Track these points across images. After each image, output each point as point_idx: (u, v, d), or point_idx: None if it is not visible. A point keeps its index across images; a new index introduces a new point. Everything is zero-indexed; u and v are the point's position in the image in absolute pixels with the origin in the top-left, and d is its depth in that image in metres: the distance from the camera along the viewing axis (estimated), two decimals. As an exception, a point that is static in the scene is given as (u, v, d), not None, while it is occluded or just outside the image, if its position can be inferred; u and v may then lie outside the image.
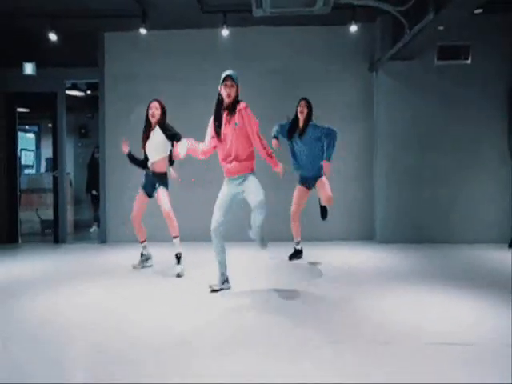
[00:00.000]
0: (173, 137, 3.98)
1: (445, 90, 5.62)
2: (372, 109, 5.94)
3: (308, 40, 5.94)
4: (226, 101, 3.24)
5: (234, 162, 3.26)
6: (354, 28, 5.36)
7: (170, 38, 6.00)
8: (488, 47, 5.51)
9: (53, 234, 6.36)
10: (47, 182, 8.27)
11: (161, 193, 4.09)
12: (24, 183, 7.81)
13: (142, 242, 4.33)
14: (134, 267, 4.28)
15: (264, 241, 3.32)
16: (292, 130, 4.26)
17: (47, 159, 9.43)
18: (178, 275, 3.94)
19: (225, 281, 3.47)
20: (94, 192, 7.81)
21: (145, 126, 4.13)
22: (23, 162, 9.68)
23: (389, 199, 5.76)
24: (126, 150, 4.20)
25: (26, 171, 9.62)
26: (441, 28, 4.23)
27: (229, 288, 3.46)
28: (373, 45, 5.85)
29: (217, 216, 3.33)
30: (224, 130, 3.26)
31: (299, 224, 4.48)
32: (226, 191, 3.36)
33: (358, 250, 5.29)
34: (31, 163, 10.13)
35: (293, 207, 4.41)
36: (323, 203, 4.28)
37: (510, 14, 5.37)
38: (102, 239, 6.20)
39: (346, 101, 5.95)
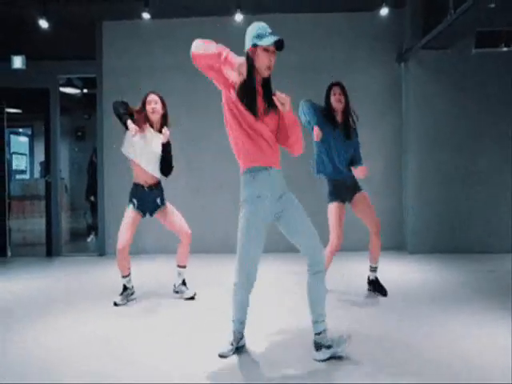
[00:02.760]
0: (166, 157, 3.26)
1: (483, 81, 5.05)
2: (400, 103, 5.37)
3: (329, 28, 5.38)
4: (264, 74, 2.17)
5: (272, 149, 2.22)
6: (384, 11, 4.78)
7: (176, 27, 5.40)
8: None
9: (45, 246, 5.73)
10: (42, 188, 7.69)
11: (170, 211, 3.34)
12: (16, 189, 7.21)
13: (126, 275, 3.35)
14: (117, 304, 3.25)
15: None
16: (328, 123, 3.20)
17: (41, 163, 8.82)
18: (192, 298, 3.37)
19: (242, 337, 2.40)
20: (92, 198, 7.21)
21: (134, 121, 3.14)
22: (15, 167, 9.08)
23: (420, 205, 5.16)
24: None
25: (19, 176, 9.01)
26: (492, 5, 3.65)
27: (244, 344, 2.41)
28: (401, 33, 5.29)
29: (255, 262, 2.21)
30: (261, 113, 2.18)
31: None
32: (259, 213, 2.18)
33: (389, 262, 4.69)
34: (24, 168, 9.52)
35: (332, 236, 3.17)
36: (372, 231, 3.26)
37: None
38: (101, 251, 5.58)
39: (372, 94, 5.38)
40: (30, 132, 9.66)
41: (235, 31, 5.19)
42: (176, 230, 3.34)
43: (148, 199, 3.30)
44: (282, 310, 3.09)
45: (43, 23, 4.78)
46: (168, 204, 3.40)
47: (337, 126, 3.22)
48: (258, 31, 2.15)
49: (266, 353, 2.35)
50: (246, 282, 2.22)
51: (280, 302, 3.32)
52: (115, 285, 3.56)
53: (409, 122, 5.22)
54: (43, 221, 6.46)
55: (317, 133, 3.08)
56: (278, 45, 2.16)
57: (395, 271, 4.25)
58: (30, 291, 3.79)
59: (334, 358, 2.17)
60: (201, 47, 2.17)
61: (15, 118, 8.06)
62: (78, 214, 8.44)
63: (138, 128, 3.11)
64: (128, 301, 3.36)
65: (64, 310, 3.16)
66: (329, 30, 5.38)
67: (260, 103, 2.18)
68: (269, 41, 2.12)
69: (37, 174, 9.31)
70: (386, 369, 2.12)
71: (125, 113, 3.18)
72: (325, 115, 3.22)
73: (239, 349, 2.36)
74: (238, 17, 4.85)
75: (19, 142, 9.71)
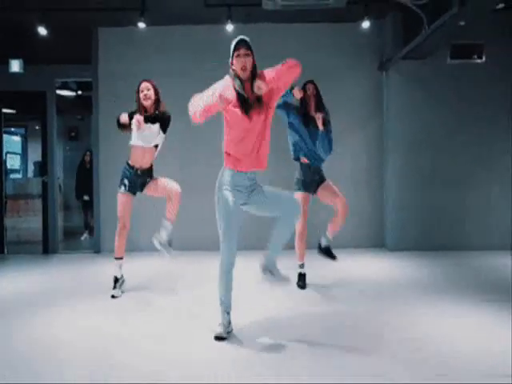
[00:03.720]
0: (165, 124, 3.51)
1: (457, 90, 5.41)
2: (381, 109, 5.70)
3: (315, 37, 5.67)
4: (244, 76, 2.42)
5: (259, 156, 2.52)
6: (366, 24, 5.10)
7: (169, 34, 5.66)
8: (503, 45, 5.32)
9: (42, 244, 5.92)
10: (35, 187, 7.85)
11: (156, 181, 3.59)
12: (9, 189, 7.37)
13: (121, 257, 3.60)
14: (114, 296, 3.49)
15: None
16: (303, 115, 3.58)
17: (35, 163, 8.97)
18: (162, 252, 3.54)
19: (229, 321, 2.70)
20: (85, 197, 7.41)
21: (133, 112, 3.47)
22: (9, 167, 9.20)
23: (400, 205, 5.50)
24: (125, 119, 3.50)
25: (12, 176, 9.14)
26: (462, 23, 3.98)
27: (232, 330, 2.69)
28: (382, 43, 5.62)
29: (231, 246, 2.51)
30: (251, 110, 2.45)
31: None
32: (233, 209, 2.48)
33: (370, 259, 5.02)
34: (17, 167, 9.64)
35: (301, 223, 3.48)
36: (340, 213, 3.55)
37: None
38: (96, 249, 5.80)
39: (355, 101, 5.70)
40: (23, 132, 9.77)
41: (227, 39, 5.48)
42: (167, 192, 3.54)
43: (139, 181, 3.58)
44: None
45: (42, 30, 4.97)
46: (155, 179, 3.61)
47: (310, 119, 3.56)
48: (231, 47, 2.47)
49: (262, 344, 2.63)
50: (227, 264, 2.57)
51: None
52: (110, 281, 3.78)
53: (389, 126, 5.55)
54: (37, 219, 6.65)
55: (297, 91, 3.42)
56: (240, 42, 2.42)
57: (375, 267, 4.57)
58: (32, 287, 3.98)
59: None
60: (193, 109, 2.50)
61: (9, 117, 8.20)
62: (71, 212, 8.62)
63: (139, 119, 3.36)
64: (122, 291, 3.58)
65: (65, 305, 3.37)
66: (315, 39, 5.67)
67: (254, 106, 2.45)
68: (234, 46, 2.44)
69: (30, 174, 9.45)
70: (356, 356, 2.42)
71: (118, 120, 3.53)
72: (301, 109, 3.61)
73: (229, 333, 2.63)
74: (229, 27, 5.12)
75: (12, 141, 9.82)
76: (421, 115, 5.47)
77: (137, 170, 3.55)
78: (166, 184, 3.59)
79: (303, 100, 3.61)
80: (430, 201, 5.47)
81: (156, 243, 3.52)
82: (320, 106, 3.61)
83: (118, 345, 2.56)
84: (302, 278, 3.71)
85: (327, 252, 3.72)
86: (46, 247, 5.87)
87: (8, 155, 9.26)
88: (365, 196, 5.73)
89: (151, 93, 3.49)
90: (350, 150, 5.71)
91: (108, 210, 5.73)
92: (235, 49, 2.44)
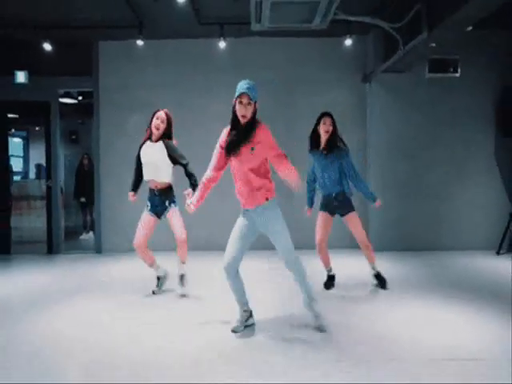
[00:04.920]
0: (177, 161, 3.67)
1: (436, 101, 5.80)
2: (365, 119, 6.07)
3: (303, 51, 6.03)
4: (241, 121, 2.73)
5: (249, 191, 2.79)
6: (348, 42, 5.48)
7: (166, 48, 6.02)
8: (476, 60, 5.71)
9: (46, 244, 6.28)
10: (37, 188, 8.17)
11: (173, 214, 3.72)
12: (13, 190, 7.68)
13: (152, 265, 3.90)
14: (155, 292, 3.88)
15: (318, 318, 2.96)
16: (314, 146, 3.87)
17: (37, 165, 9.29)
18: (183, 295, 3.82)
19: (249, 317, 3.04)
20: (82, 199, 7.78)
21: (146, 135, 3.75)
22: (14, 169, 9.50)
23: (382, 209, 5.89)
24: (134, 197, 3.86)
25: (15, 178, 9.45)
26: (433, 45, 4.36)
27: (253, 323, 3.04)
28: (366, 57, 5.99)
29: (229, 251, 2.86)
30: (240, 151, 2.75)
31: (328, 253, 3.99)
32: (241, 221, 2.89)
33: (354, 259, 5.39)
34: (20, 169, 9.95)
35: (318, 236, 3.89)
36: (362, 247, 3.92)
37: (495, 29, 5.57)
38: (97, 249, 6.17)
39: (340, 111, 6.00)
40: (24, 134, 10.07)
41: (219, 53, 5.84)
42: (173, 232, 3.77)
43: (158, 202, 3.73)
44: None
45: (47, 46, 5.31)
46: (175, 208, 3.75)
47: (321, 149, 3.83)
48: (237, 88, 2.73)
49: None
50: (227, 266, 2.86)
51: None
52: (114, 279, 4.15)
53: (372, 134, 5.94)
54: (40, 220, 7.00)
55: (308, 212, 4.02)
56: (244, 89, 2.67)
57: (358, 267, 4.95)
58: (41, 285, 4.31)
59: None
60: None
61: (10, 120, 8.49)
62: (71, 212, 8.96)
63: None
64: (161, 289, 3.93)
65: (69, 303, 3.66)
66: (302, 53, 6.03)
67: (242, 146, 2.72)
68: (238, 92, 2.71)
69: (32, 176, 9.76)
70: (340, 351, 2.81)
71: (137, 183, 3.94)
72: (312, 140, 3.88)
73: (248, 327, 2.99)
74: (222, 44, 5.47)
75: (13, 143, 10.12)
76: (401, 124, 5.86)
77: (153, 190, 3.74)
78: (174, 222, 3.74)
79: (315, 132, 3.83)
80: (410, 205, 5.87)
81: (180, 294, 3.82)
82: (331, 144, 3.78)
83: (121, 340, 2.83)
84: (329, 278, 4.08)
85: (378, 278, 4.05)
86: (50, 247, 6.23)
87: (12, 158, 9.57)
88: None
89: (164, 126, 3.68)
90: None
91: (108, 211, 6.11)
92: (239, 95, 2.68)
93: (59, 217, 6.29)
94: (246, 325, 3.00)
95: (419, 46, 4.39)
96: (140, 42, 5.39)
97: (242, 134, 2.74)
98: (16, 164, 9.85)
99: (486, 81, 5.80)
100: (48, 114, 6.08)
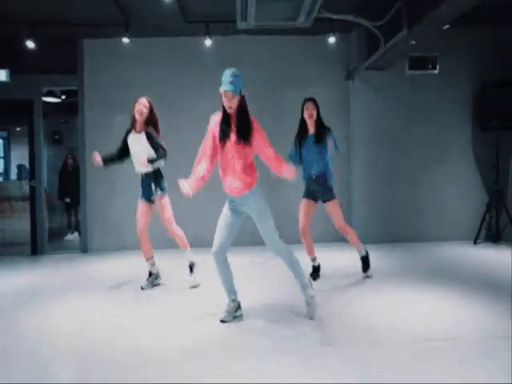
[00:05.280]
0: (156, 149, 3.71)
1: (416, 97, 6.00)
2: (349, 115, 6.22)
3: (288, 49, 6.14)
4: (229, 111, 2.83)
5: (235, 179, 2.86)
6: (332, 40, 5.60)
7: (152, 46, 6.02)
8: (454, 58, 5.93)
9: (30, 245, 6.19)
10: (18, 189, 8.03)
11: (160, 200, 3.81)
12: (-7, 191, 7.54)
13: (150, 259, 3.98)
14: (143, 288, 3.90)
15: (310, 305, 3.06)
16: (301, 135, 3.93)
17: (19, 166, 9.12)
18: (193, 287, 3.87)
19: (237, 308, 3.09)
20: (67, 200, 7.69)
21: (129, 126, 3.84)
22: (-7, 170, 9.31)
23: (365, 202, 6.05)
24: (99, 160, 3.85)
25: (-4, 179, 9.26)
26: (413, 42, 4.52)
27: (241, 315, 3.09)
28: (349, 55, 6.14)
29: (217, 238, 2.96)
30: (229, 138, 2.83)
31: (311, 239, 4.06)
32: (227, 209, 2.99)
33: (337, 252, 5.52)
34: (0, 170, 9.75)
35: (301, 221, 3.98)
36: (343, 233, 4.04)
37: (473, 27, 5.79)
38: (84, 248, 6.12)
39: (325, 107, 6.04)
40: (5, 135, 9.87)
41: (206, 51, 5.87)
42: (163, 221, 3.85)
43: (145, 186, 3.85)
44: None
45: (30, 44, 5.24)
46: (163, 195, 3.82)
47: (307, 135, 3.91)
48: (222, 78, 2.83)
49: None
50: (215, 253, 2.95)
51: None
52: (104, 276, 4.15)
53: (355, 128, 6.09)
54: (22, 221, 6.86)
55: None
56: (226, 90, 2.77)
57: (341, 259, 5.08)
58: (27, 286, 4.25)
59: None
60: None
61: (-8, 121, 8.35)
62: (54, 213, 8.83)
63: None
64: (153, 285, 3.95)
65: (62, 302, 3.68)
66: (287, 50, 6.13)
67: (233, 134, 2.81)
68: (220, 88, 2.81)
69: (13, 176, 9.57)
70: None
71: (114, 157, 3.96)
72: (300, 126, 3.98)
73: (236, 318, 3.04)
74: (208, 42, 5.51)
75: (-7, 144, 9.90)
76: (383, 119, 6.03)
77: (141, 175, 3.86)
78: (160, 207, 3.83)
79: (302, 119, 3.92)
80: (391, 198, 6.04)
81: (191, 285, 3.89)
82: (321, 132, 3.87)
83: (114, 336, 2.86)
84: (314, 269, 4.13)
85: (364, 261, 4.15)
86: (35, 248, 6.14)
87: (-9, 159, 9.38)
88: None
89: (146, 111, 3.76)
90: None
91: (95, 210, 6.07)
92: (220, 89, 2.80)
93: (43, 217, 6.22)
94: (235, 316, 3.06)
95: (399, 43, 4.54)
96: (126, 40, 5.38)
97: (233, 124, 2.83)
98: (-3, 165, 9.65)
99: (464, 77, 6.02)
100: (31, 113, 6.00)
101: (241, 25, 4.40)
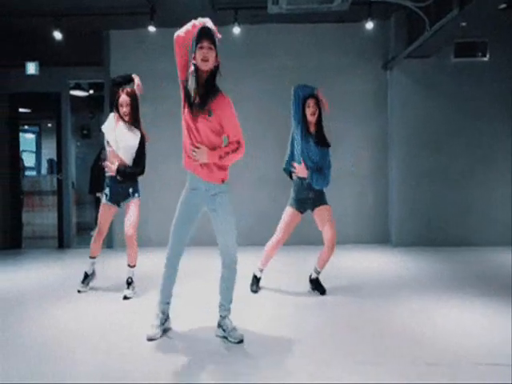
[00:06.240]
0: (136, 159, 3.42)
1: (462, 88, 5.49)
2: (385, 107, 5.80)
3: (320, 37, 5.79)
4: (204, 68, 2.36)
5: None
6: (370, 25, 5.20)
7: (178, 36, 5.82)
8: (507, 43, 5.37)
9: (57, 239, 6.18)
10: (49, 184, 8.11)
11: (133, 206, 3.46)
12: (25, 185, 7.64)
13: (94, 257, 3.67)
14: (80, 291, 3.60)
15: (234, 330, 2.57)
16: (303, 131, 3.40)
17: (49, 160, 9.25)
18: (125, 297, 3.48)
19: (166, 319, 2.70)
20: (98, 194, 7.63)
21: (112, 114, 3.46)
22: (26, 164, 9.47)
23: (404, 201, 5.62)
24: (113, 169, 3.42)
25: (27, 173, 9.43)
26: (463, 24, 4.07)
27: (170, 328, 2.72)
28: (386, 43, 5.71)
29: (178, 238, 2.52)
30: (195, 111, 2.41)
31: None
32: (189, 200, 2.52)
33: (374, 255, 5.15)
34: (32, 165, 9.94)
35: (279, 235, 3.45)
36: (326, 243, 3.38)
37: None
38: (109, 244, 6.03)
39: (359, 99, 5.81)
40: (37, 130, 10.05)
41: (234, 40, 5.62)
42: (124, 223, 3.48)
43: (120, 190, 3.47)
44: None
45: (57, 34, 5.16)
46: (138, 199, 3.51)
47: (310, 135, 3.41)
48: (196, 34, 2.37)
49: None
50: (172, 257, 2.55)
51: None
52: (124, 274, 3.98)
53: (393, 123, 5.65)
54: (51, 215, 6.90)
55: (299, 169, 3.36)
56: (203, 34, 2.33)
57: (379, 263, 4.70)
58: (54, 278, 4.23)
59: (226, 339, 2.57)
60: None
61: (24, 116, 8.47)
62: (84, 208, 8.87)
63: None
64: (88, 286, 3.67)
65: (83, 296, 3.60)
66: (320, 39, 5.78)
67: (199, 103, 2.38)
68: (197, 37, 2.34)
69: (44, 171, 9.73)
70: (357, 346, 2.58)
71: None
72: (303, 123, 3.44)
73: (166, 330, 2.65)
74: (236, 29, 5.25)
75: (26, 139, 10.10)
76: (424, 113, 5.56)
77: (115, 176, 3.49)
78: (130, 213, 3.48)
79: (304, 116, 3.42)
80: (434, 197, 5.58)
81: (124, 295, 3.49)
82: (321, 137, 3.41)
83: (126, 335, 2.73)
84: (256, 281, 3.63)
85: (316, 284, 3.55)
86: (61, 242, 6.12)
87: (23, 153, 9.55)
88: (369, 192, 5.85)
89: (128, 110, 3.43)
90: (355, 147, 5.82)
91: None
92: (198, 40, 2.34)
93: (70, 211, 6.18)
94: (165, 329, 2.66)
95: (448, 25, 4.10)
96: (152, 29, 5.20)
97: (203, 91, 2.41)
98: (29, 159, 9.83)
99: (517, 65, 5.47)
100: (59, 106, 5.96)
101: (272, 9, 4.11)
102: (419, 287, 3.69)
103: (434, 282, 3.87)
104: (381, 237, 5.81)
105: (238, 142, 2.49)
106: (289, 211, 3.46)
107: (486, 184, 5.54)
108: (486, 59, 5.22)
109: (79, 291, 3.64)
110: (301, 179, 3.41)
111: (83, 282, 3.71)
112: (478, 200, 5.55)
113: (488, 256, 4.89)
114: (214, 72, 2.43)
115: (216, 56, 2.41)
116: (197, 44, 2.36)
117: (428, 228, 5.56)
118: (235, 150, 2.47)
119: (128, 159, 3.45)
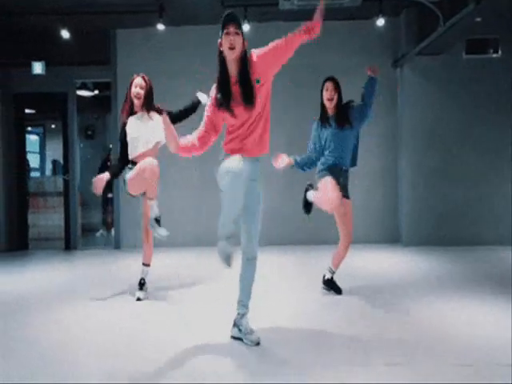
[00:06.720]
0: (181, 115, 3.37)
1: (473, 85, 5.42)
2: (395, 105, 5.73)
3: (329, 35, 5.65)
4: (231, 56, 2.24)
5: (255, 138, 2.34)
6: (381, 22, 5.14)
7: (186, 34, 5.77)
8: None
9: (64, 240, 6.12)
10: (53, 185, 8.05)
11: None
12: (30, 187, 7.58)
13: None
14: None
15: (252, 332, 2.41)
16: (323, 122, 3.31)
17: (53, 161, 9.19)
18: (138, 299, 3.36)
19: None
20: (109, 195, 7.55)
21: (125, 109, 3.36)
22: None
23: (414, 200, 5.55)
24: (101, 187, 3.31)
25: (32, 174, 9.38)
26: (478, 19, 4.01)
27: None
28: (396, 40, 5.65)
29: (232, 216, 2.24)
30: (235, 102, 2.28)
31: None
32: (240, 182, 2.17)
33: (386, 254, 5.09)
34: (37, 166, 9.88)
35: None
36: (342, 241, 3.31)
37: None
38: (116, 244, 5.97)
39: (369, 98, 5.73)
40: (41, 131, 9.99)
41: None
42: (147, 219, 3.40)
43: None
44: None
45: (64, 33, 5.11)
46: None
47: (328, 120, 3.29)
48: (221, 25, 2.26)
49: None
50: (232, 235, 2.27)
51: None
52: (134, 275, 3.92)
53: (403, 122, 5.59)
54: (56, 216, 6.84)
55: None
56: (229, 19, 2.23)
57: (389, 263, 4.63)
58: (62, 280, 4.16)
59: (241, 340, 2.42)
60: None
61: (28, 117, 8.41)
62: (88, 209, 8.81)
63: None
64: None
65: (91, 297, 3.50)
66: (329, 37, 5.68)
67: (236, 94, 2.28)
68: (222, 23, 2.23)
69: (48, 172, 9.68)
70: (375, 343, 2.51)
71: (121, 166, 3.44)
72: (320, 111, 3.36)
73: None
74: (245, 27, 5.18)
75: (30, 140, 10.05)
76: (435, 111, 5.49)
77: (135, 163, 3.35)
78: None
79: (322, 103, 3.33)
80: (444, 197, 5.50)
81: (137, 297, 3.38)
82: (342, 116, 3.26)
83: (137, 337, 2.65)
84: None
85: (330, 285, 3.44)
86: (68, 243, 6.06)
87: (29, 154, 9.50)
88: (379, 192, 5.79)
89: (143, 92, 3.33)
90: (365, 146, 5.63)
91: (127, 206, 5.89)
92: (224, 26, 2.23)
93: (76, 212, 6.12)
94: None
95: (463, 21, 4.03)
96: (161, 27, 5.14)
97: (236, 75, 2.29)
98: (33, 160, 9.78)
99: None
100: (65, 106, 5.90)
101: (284, 5, 4.06)
102: (434, 287, 3.62)
103: (451, 281, 3.80)
104: (390, 236, 5.74)
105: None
106: (325, 179, 3.19)
107: (497, 182, 5.47)
108: (498, 55, 5.16)
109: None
110: (336, 164, 3.25)
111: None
112: (489, 199, 5.47)
113: (500, 255, 4.81)
114: (243, 57, 2.29)
115: (243, 42, 2.29)
116: (223, 30, 2.26)
117: (438, 227, 5.49)
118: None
119: (142, 147, 3.32)
